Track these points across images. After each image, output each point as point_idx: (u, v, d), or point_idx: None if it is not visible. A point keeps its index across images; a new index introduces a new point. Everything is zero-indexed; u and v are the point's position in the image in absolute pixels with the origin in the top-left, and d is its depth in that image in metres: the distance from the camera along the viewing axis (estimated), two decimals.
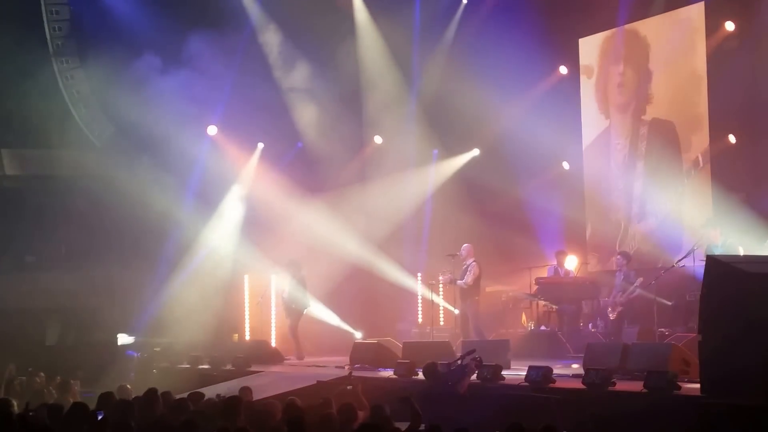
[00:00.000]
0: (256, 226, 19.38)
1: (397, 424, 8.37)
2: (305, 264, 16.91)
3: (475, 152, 19.47)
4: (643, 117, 17.02)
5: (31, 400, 11.44)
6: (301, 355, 16.34)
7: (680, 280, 13.87)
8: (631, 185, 17.16)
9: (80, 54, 19.05)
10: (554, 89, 18.16)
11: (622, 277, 14.77)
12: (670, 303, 13.86)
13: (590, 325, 15.83)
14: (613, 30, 17.53)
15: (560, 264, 16.29)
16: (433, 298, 16.95)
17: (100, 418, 8.53)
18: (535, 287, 16.33)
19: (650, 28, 16.96)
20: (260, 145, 19.59)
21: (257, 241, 19.39)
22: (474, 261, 15.05)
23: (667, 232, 15.88)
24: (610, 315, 14.80)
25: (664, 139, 16.60)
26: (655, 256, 16.26)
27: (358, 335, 17.84)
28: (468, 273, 14.95)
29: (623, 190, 17.29)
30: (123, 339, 18.15)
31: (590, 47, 18.06)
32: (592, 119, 18.13)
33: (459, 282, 15.02)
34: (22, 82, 18.58)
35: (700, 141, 16.05)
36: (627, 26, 17.26)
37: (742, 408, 8.78)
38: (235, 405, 8.50)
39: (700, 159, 15.87)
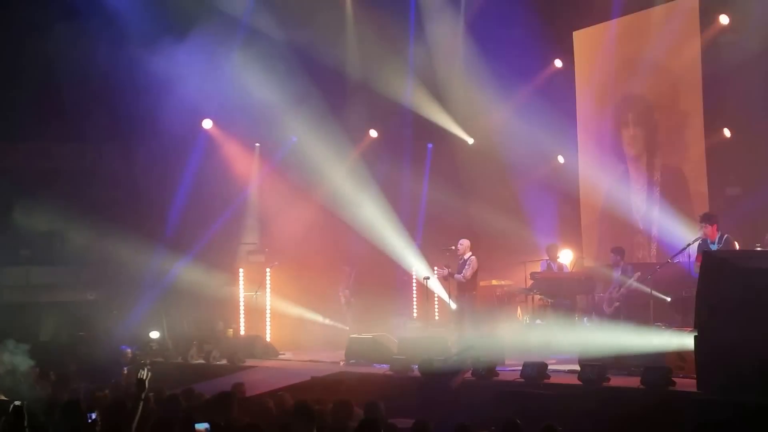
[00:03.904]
0: (252, 221, 19.35)
1: (392, 421, 8.34)
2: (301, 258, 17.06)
3: (469, 141, 19.49)
4: (656, 116, 16.89)
5: (26, 396, 11.40)
6: None
7: (676, 275, 13.82)
8: (640, 182, 17.00)
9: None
10: (549, 82, 18.12)
11: (620, 271, 14.74)
12: (668, 299, 13.81)
13: (585, 320, 15.76)
14: (607, 23, 17.46)
15: (552, 258, 16.20)
16: (428, 292, 16.89)
17: (92, 418, 8.49)
18: (530, 281, 16.28)
19: (644, 20, 16.90)
20: (257, 145, 19.59)
21: (253, 235, 19.38)
22: (473, 255, 15.03)
23: (670, 229, 15.81)
24: (607, 310, 14.76)
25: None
26: (656, 252, 16.24)
27: (347, 329, 17.76)
28: (466, 267, 14.92)
29: (632, 186, 17.13)
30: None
31: (584, 42, 18.00)
32: (587, 112, 18.07)
33: (457, 276, 14.98)
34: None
35: (694, 135, 16.01)
36: (620, 19, 17.20)
37: (738, 404, 8.78)
38: (226, 401, 8.47)
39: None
